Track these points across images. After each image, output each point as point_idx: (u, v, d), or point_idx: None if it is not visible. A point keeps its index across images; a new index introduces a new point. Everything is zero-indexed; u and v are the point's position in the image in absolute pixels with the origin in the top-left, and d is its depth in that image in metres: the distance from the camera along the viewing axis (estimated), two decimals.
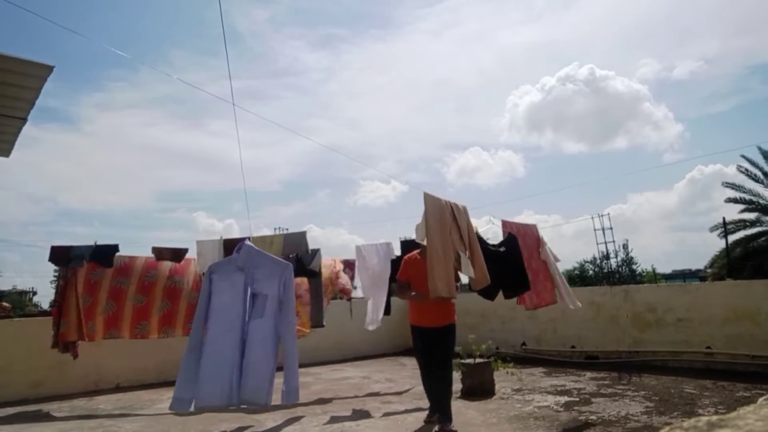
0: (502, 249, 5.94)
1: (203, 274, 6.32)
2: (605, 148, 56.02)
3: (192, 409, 4.08)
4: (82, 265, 6.19)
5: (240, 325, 4.09)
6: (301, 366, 4.49)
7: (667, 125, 49.76)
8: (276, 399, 4.18)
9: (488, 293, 5.72)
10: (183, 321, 6.55)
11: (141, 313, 6.41)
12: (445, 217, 4.83)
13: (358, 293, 7.36)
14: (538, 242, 6.58)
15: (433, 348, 4.49)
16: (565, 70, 54.82)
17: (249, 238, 5.78)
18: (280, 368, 4.16)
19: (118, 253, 6.42)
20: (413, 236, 5.47)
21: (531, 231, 6.59)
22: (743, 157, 16.93)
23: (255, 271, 4.23)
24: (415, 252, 4.86)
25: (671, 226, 52.50)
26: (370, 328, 6.96)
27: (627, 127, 50.86)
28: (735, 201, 17.05)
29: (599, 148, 55.97)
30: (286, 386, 4.16)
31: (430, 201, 4.79)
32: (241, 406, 4.21)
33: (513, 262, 5.93)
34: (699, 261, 19.81)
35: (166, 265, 6.61)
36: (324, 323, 6.61)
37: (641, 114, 47.76)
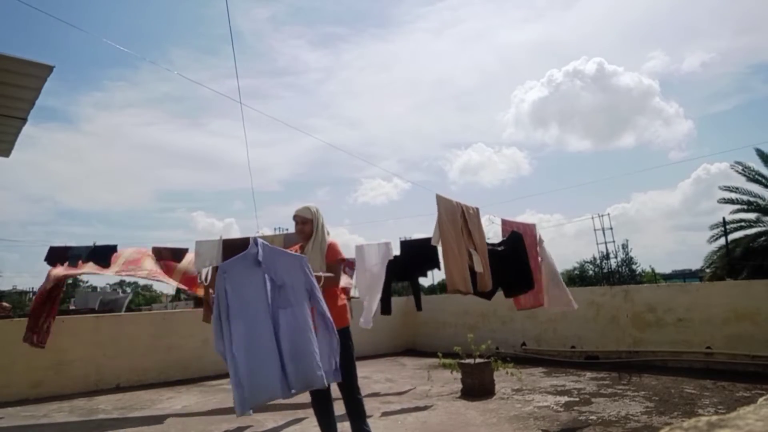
0: (500, 248, 5.95)
1: (199, 273, 6.34)
2: (611, 145, 55.65)
3: (250, 411, 4.06)
4: (77, 265, 6.21)
5: (268, 318, 4.08)
6: None
7: (676, 121, 49.29)
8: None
9: (486, 293, 5.73)
10: (179, 279, 6.51)
11: (132, 262, 6.37)
12: (456, 219, 5.01)
13: (355, 293, 7.37)
14: (536, 242, 6.58)
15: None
16: (573, 64, 54.25)
17: (251, 238, 5.78)
18: None
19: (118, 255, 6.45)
20: (417, 235, 5.56)
21: (530, 230, 6.59)
22: (737, 162, 17.01)
23: (274, 266, 4.24)
24: (296, 246, 3.96)
25: (674, 225, 52.43)
26: (368, 326, 6.97)
27: (634, 123, 50.44)
28: (732, 202, 17.06)
29: (605, 145, 55.59)
30: (332, 365, 4.17)
31: (443, 202, 4.99)
32: (293, 393, 4.16)
33: (516, 261, 5.92)
34: (701, 261, 19.76)
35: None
36: None
37: (648, 110, 47.40)
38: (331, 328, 4.20)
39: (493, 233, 6.18)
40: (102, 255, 6.29)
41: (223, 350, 3.97)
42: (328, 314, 4.26)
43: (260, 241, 4.36)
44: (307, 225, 3.65)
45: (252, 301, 4.06)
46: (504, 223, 6.31)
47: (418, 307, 7.49)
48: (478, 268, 5.14)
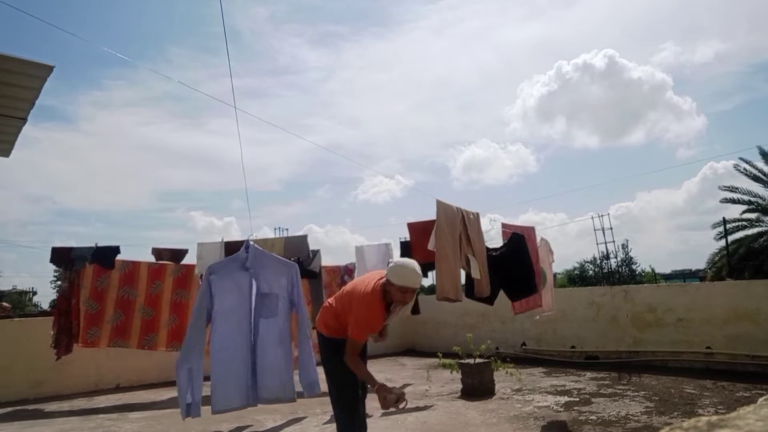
0: (502, 250, 5.94)
1: (201, 275, 6.35)
2: (620, 141, 54.53)
3: (211, 412, 4.09)
4: (84, 266, 6.21)
5: (248, 326, 4.10)
6: None
7: (689, 117, 48.29)
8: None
9: (487, 299, 5.69)
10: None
11: (149, 326, 6.47)
12: (455, 224, 5.03)
13: None
14: (535, 244, 6.58)
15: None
16: (583, 57, 53.22)
17: (250, 240, 5.78)
18: None
19: (120, 256, 6.44)
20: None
21: (529, 234, 6.59)
22: (741, 159, 16.93)
23: (262, 271, 4.24)
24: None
25: (677, 225, 51.88)
26: None
27: (645, 118, 49.35)
28: (733, 201, 17.04)
29: (613, 141, 54.43)
30: (308, 379, 4.24)
31: (442, 208, 4.99)
32: (260, 404, 4.23)
33: (517, 264, 5.87)
34: (703, 261, 19.69)
35: (170, 274, 6.62)
36: None
37: (660, 105, 46.43)
38: (308, 342, 4.25)
39: (495, 232, 6.18)
40: (104, 256, 6.31)
41: (178, 363, 3.97)
42: (308, 328, 4.32)
43: (251, 244, 4.36)
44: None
45: (235, 307, 4.05)
46: (504, 226, 6.30)
47: (416, 310, 7.19)
48: (475, 274, 5.11)
